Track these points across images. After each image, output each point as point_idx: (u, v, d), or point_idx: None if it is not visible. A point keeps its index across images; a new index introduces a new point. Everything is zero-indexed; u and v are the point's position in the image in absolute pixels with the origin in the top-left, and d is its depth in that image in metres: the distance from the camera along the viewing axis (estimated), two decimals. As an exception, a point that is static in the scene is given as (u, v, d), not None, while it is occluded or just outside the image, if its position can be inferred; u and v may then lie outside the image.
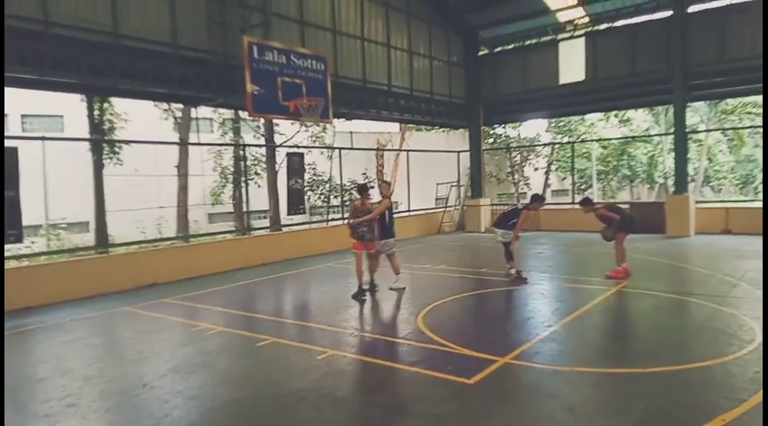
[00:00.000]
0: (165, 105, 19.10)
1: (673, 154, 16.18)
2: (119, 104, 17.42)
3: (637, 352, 5.63)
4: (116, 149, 17.01)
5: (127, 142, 16.72)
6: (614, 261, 9.10)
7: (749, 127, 28.25)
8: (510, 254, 9.16)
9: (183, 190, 19.46)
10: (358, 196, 8.89)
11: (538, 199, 9.46)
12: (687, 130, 15.61)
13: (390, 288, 8.64)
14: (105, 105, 16.89)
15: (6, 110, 23.00)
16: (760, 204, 19.22)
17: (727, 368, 4.80)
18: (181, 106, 18.79)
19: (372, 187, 9.16)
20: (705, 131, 27.15)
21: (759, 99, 26.78)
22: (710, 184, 31.97)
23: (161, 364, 5.59)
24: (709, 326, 6.20)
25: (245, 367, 5.60)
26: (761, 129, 29.22)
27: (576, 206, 18.70)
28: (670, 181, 22.27)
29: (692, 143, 25.19)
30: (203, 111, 18.63)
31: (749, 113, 28.13)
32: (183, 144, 18.85)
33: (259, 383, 5.07)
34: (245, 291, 9.71)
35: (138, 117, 19.01)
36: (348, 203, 20.89)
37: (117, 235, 16.84)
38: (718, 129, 27.97)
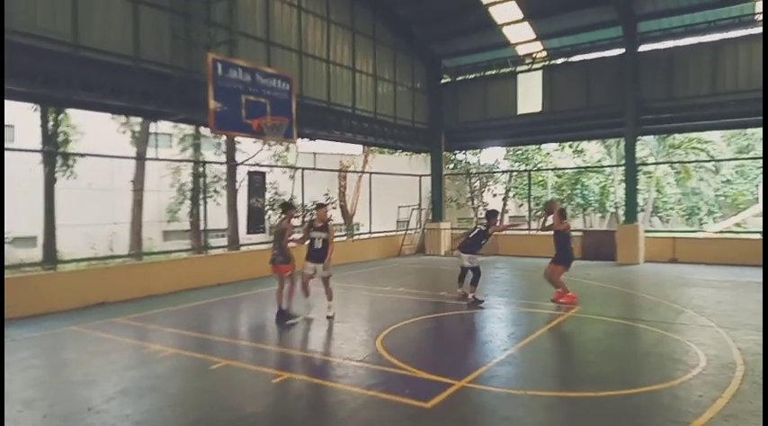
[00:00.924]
0: (123, 118, 18.67)
1: (623, 184, 16.85)
2: (75, 116, 16.93)
3: (588, 376, 5.77)
4: (70, 162, 16.46)
5: (82, 155, 16.20)
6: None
7: (695, 161, 29.82)
8: (476, 280, 9.28)
9: (138, 205, 18.96)
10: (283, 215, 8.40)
11: (494, 214, 9.76)
12: (637, 163, 16.31)
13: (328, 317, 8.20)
14: (60, 116, 16.38)
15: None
16: (705, 234, 20.18)
17: (674, 393, 4.98)
18: (139, 120, 18.40)
19: (325, 205, 8.85)
20: (654, 164, 28.48)
21: (704, 135, 28.44)
22: (659, 215, 33.35)
23: (109, 387, 5.37)
24: (657, 352, 6.42)
25: (196, 390, 5.44)
26: (706, 164, 31.03)
27: (533, 232, 19.20)
28: (621, 211, 23.12)
29: (641, 175, 26.30)
30: (163, 126, 18.32)
31: (695, 148, 29.75)
32: (141, 159, 18.43)
33: (210, 407, 4.93)
34: (200, 312, 9.46)
35: (95, 129, 18.49)
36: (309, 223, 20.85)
37: (66, 252, 16.17)
38: (667, 162, 29.38)
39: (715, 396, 4.79)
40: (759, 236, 16.51)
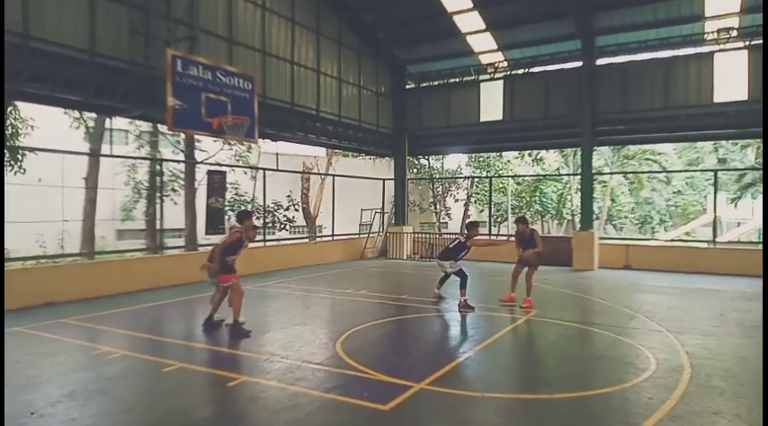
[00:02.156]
0: (76, 113, 18.00)
1: (580, 193, 17.33)
2: (25, 109, 16.21)
3: (544, 379, 5.88)
4: (18, 156, 15.73)
5: (31, 149, 15.49)
6: (524, 290, 9.50)
7: (648, 172, 31.01)
8: (464, 283, 9.25)
9: (90, 203, 18.27)
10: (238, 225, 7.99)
11: (473, 225, 9.80)
12: (593, 172, 16.80)
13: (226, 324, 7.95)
14: (9, 109, 15.65)
15: None
16: (657, 242, 20.95)
17: (625, 395, 5.12)
18: (94, 115, 17.78)
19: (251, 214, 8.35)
20: (609, 174, 29.45)
21: (656, 147, 29.62)
22: (613, 223, 34.44)
23: (54, 390, 5.13)
24: (610, 355, 6.60)
25: (148, 393, 5.27)
26: (658, 175, 32.28)
27: (493, 237, 19.45)
28: (577, 218, 23.79)
29: (597, 184, 27.10)
30: (119, 122, 17.75)
31: (648, 159, 30.95)
32: (95, 155, 17.77)
33: (162, 411, 4.78)
34: (154, 313, 9.19)
35: (47, 124, 17.74)
36: (270, 225, 20.56)
37: (14, 249, 15.43)
38: (621, 173, 30.43)
39: (664, 398, 4.95)
40: (706, 245, 17.29)
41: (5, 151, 15.16)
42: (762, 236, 14.01)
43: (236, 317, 7.58)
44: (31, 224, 17.60)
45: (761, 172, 24.33)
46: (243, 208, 19.88)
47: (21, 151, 15.65)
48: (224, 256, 7.55)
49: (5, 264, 10.69)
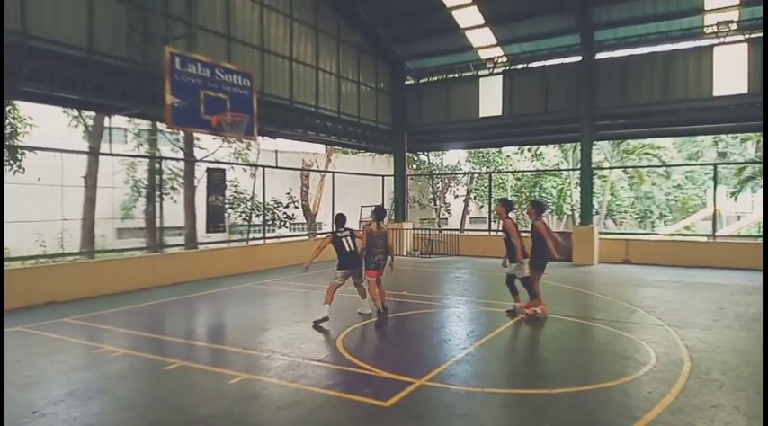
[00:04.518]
0: (75, 112, 17.98)
1: (579, 188, 17.32)
2: (24, 108, 16.19)
3: (544, 374, 5.89)
4: (17, 156, 15.73)
5: (31, 148, 15.49)
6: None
7: (647, 166, 30.99)
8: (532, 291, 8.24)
9: (90, 202, 18.28)
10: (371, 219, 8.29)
11: (380, 210, 8.49)
12: (593, 167, 16.80)
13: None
14: (8, 108, 15.63)
15: None
16: (656, 237, 20.95)
17: (625, 389, 5.13)
18: (93, 114, 17.76)
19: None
20: (608, 168, 29.44)
21: (656, 141, 29.59)
22: (613, 217, 34.49)
23: (55, 389, 5.15)
24: (610, 349, 6.61)
25: (149, 392, 5.28)
26: (658, 169, 32.25)
27: (494, 233, 19.47)
28: (577, 213, 23.79)
29: (596, 179, 27.11)
30: (118, 121, 17.73)
31: (647, 154, 30.92)
32: (94, 153, 17.77)
33: (164, 409, 4.79)
34: (155, 312, 9.20)
35: (45, 122, 17.73)
36: (271, 222, 20.55)
37: (13, 249, 15.43)
38: (621, 167, 30.41)
39: (664, 392, 4.96)
40: (706, 239, 17.31)
41: (5, 150, 15.15)
42: (762, 230, 14.00)
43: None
44: (31, 223, 17.60)
45: (761, 165, 24.31)
46: (242, 205, 19.87)
47: (20, 150, 15.64)
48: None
49: (5, 264, 10.70)
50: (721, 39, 14.25)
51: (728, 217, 32.76)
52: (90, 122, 18.55)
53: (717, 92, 14.22)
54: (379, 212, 8.33)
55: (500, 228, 9.24)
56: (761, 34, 13.68)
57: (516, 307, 8.45)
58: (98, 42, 9.82)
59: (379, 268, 8.03)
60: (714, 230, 16.49)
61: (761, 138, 26.23)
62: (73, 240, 19.09)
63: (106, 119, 18.05)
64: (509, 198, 20.54)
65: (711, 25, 14.25)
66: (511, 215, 8.68)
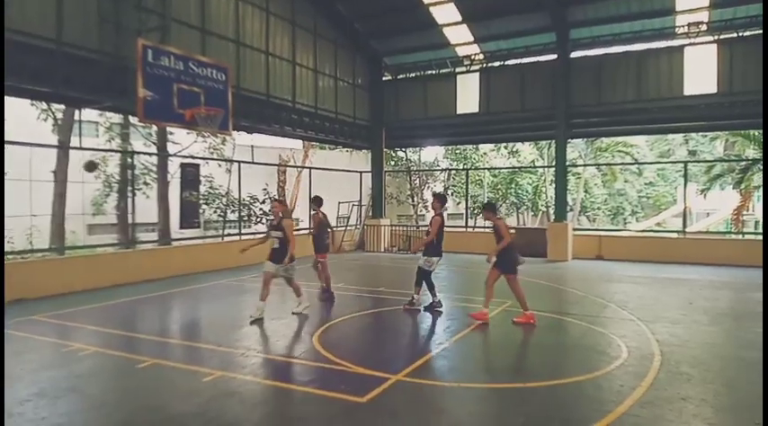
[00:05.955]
0: (44, 105, 17.48)
1: (554, 185, 17.55)
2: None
3: (518, 368, 5.96)
4: (-18, 149, 15.22)
5: (-4, 142, 15.03)
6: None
7: (620, 163, 31.57)
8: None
9: (60, 197, 17.80)
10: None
11: (317, 200, 10.18)
12: (567, 164, 17.02)
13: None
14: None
15: None
16: (628, 233, 21.38)
17: (597, 383, 5.22)
18: (62, 107, 17.29)
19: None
20: (583, 165, 29.92)
21: (629, 139, 30.16)
22: (586, 214, 35.03)
23: (23, 388, 5.01)
24: (582, 344, 6.72)
25: (121, 390, 5.18)
26: (630, 166, 32.88)
27: (470, 229, 19.60)
28: (552, 210, 24.10)
29: (571, 176, 27.54)
30: (88, 114, 17.29)
31: (620, 151, 31.51)
32: (64, 147, 17.30)
33: (136, 408, 4.70)
34: (127, 309, 9.02)
35: (12, 115, 17.19)
36: (247, 219, 20.33)
37: (-23, 245, 14.96)
38: (594, 165, 30.91)
39: (635, 385, 5.06)
40: (677, 235, 17.72)
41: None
42: (762, 230, 14.42)
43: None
44: (-2, 219, 17.08)
45: (729, 163, 24.99)
46: (217, 200, 19.59)
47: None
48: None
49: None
50: (692, 40, 14.58)
51: (698, 213, 33.58)
52: (60, 115, 18.06)
53: (687, 91, 14.54)
54: (317, 200, 10.09)
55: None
56: (730, 35, 14.04)
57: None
58: (67, 33, 9.54)
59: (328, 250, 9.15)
60: (684, 226, 16.89)
61: (729, 137, 26.96)
62: (42, 236, 18.60)
63: (76, 112, 17.58)
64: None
65: (682, 26, 14.56)
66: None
